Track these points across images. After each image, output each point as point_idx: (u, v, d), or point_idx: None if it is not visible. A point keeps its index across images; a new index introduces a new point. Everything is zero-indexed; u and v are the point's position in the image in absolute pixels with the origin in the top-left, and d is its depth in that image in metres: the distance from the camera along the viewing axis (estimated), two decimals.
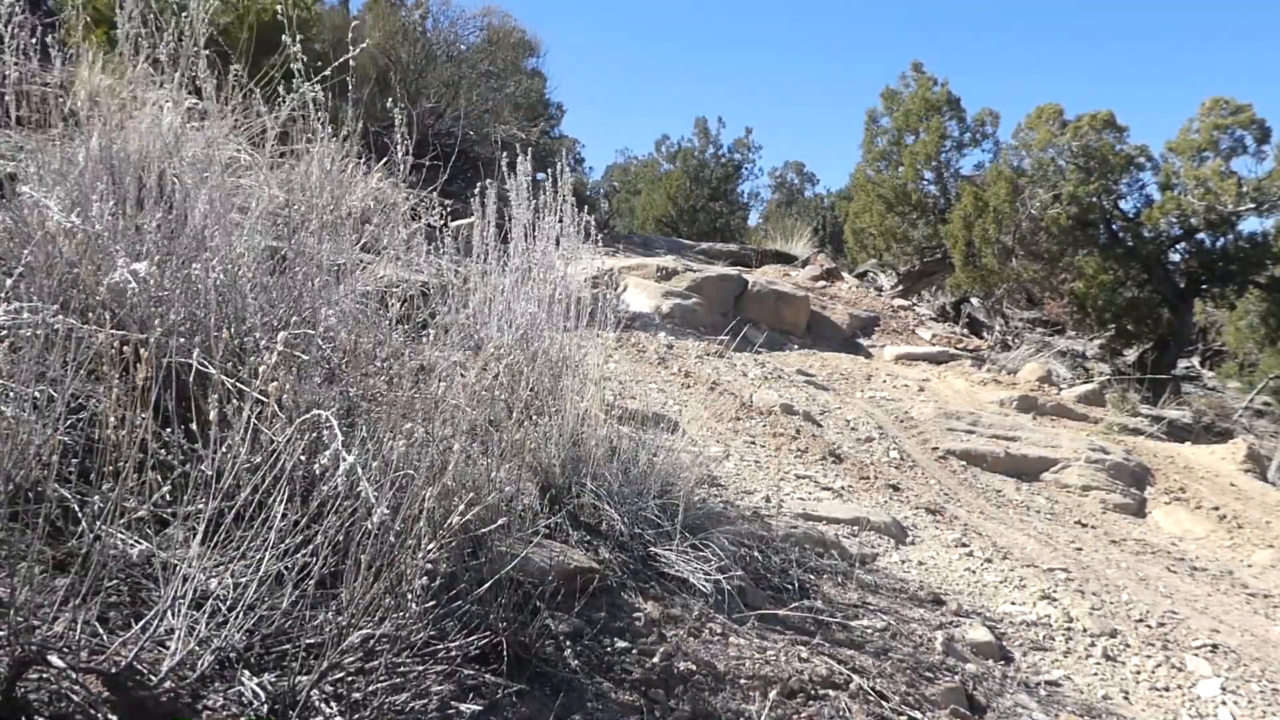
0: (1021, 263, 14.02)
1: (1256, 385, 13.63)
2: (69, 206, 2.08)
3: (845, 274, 15.28)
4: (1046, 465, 7.02)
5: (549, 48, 20.93)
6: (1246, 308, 14.45)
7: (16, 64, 2.29)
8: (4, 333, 1.52)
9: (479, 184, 2.97)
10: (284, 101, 2.69)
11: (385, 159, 3.22)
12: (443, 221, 3.09)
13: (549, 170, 3.09)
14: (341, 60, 2.63)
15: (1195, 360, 17.43)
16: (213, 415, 1.55)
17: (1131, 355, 14.55)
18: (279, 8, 6.28)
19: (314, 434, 1.78)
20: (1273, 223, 13.25)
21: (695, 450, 3.21)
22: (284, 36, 2.38)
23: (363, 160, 3.38)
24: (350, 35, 2.66)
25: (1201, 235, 13.81)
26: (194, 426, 1.67)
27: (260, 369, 1.64)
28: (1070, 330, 15.92)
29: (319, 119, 2.71)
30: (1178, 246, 14.21)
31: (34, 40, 2.36)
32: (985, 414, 7.90)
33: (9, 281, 1.46)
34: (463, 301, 2.87)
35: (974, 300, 16.01)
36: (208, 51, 2.57)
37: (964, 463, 6.14)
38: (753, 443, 5.04)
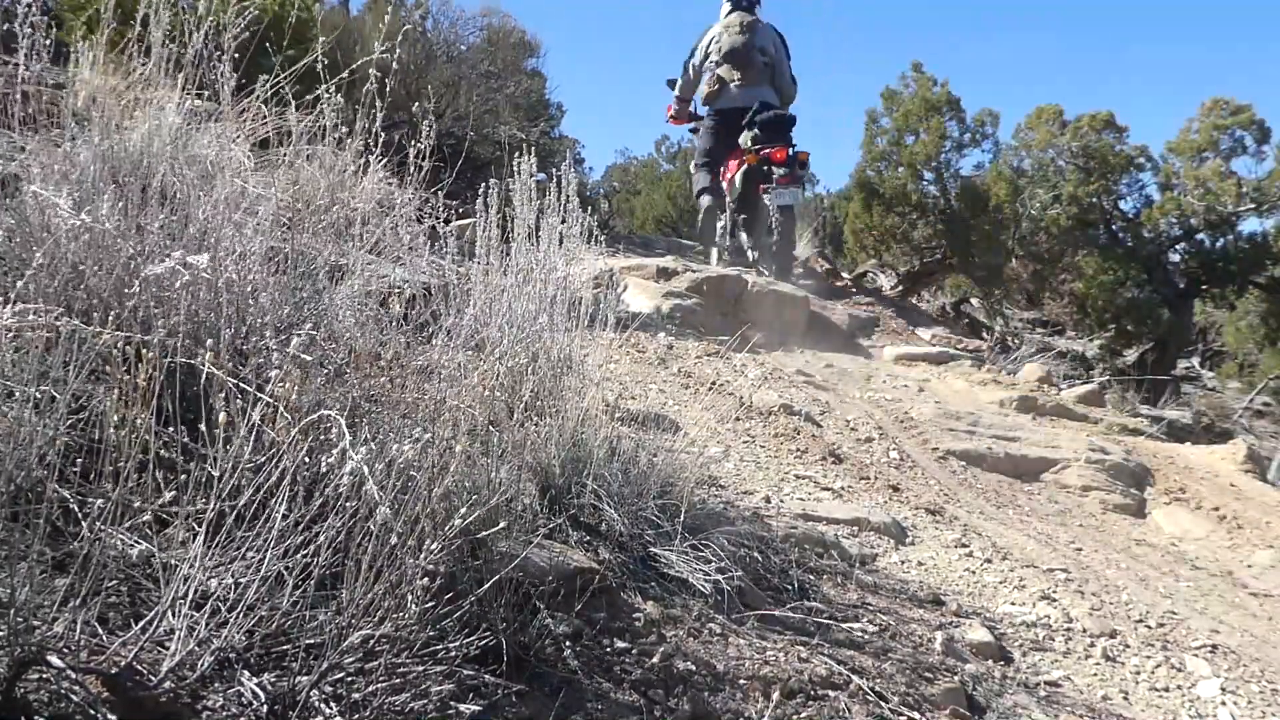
0: (1021, 263, 14.04)
1: (1256, 385, 13.62)
2: (75, 206, 2.09)
3: (844, 274, 15.26)
4: (1046, 465, 7.01)
5: (549, 48, 20.94)
6: (1246, 308, 14.44)
7: (24, 65, 2.29)
8: (11, 335, 1.52)
9: (482, 184, 2.98)
10: (295, 105, 2.70)
11: (386, 159, 3.23)
12: (445, 220, 3.10)
13: (550, 171, 3.10)
14: (376, 59, 2.65)
15: (1195, 360, 17.42)
16: (221, 418, 1.55)
17: (1131, 355, 14.54)
18: (278, 9, 6.28)
19: (318, 434, 1.78)
20: (1273, 223, 13.25)
21: (695, 450, 3.21)
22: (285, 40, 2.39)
23: (372, 163, 3.38)
24: (382, 44, 2.68)
25: (1201, 235, 13.81)
26: (201, 427, 1.67)
27: (270, 372, 1.64)
28: (1070, 330, 15.91)
29: (335, 121, 2.72)
30: (1178, 247, 14.20)
31: (48, 43, 2.35)
32: (985, 414, 7.89)
33: (19, 285, 1.47)
34: (465, 302, 2.87)
35: (974, 300, 16.00)
36: (222, 53, 2.58)
37: (964, 463, 6.13)
38: (752, 443, 5.03)
